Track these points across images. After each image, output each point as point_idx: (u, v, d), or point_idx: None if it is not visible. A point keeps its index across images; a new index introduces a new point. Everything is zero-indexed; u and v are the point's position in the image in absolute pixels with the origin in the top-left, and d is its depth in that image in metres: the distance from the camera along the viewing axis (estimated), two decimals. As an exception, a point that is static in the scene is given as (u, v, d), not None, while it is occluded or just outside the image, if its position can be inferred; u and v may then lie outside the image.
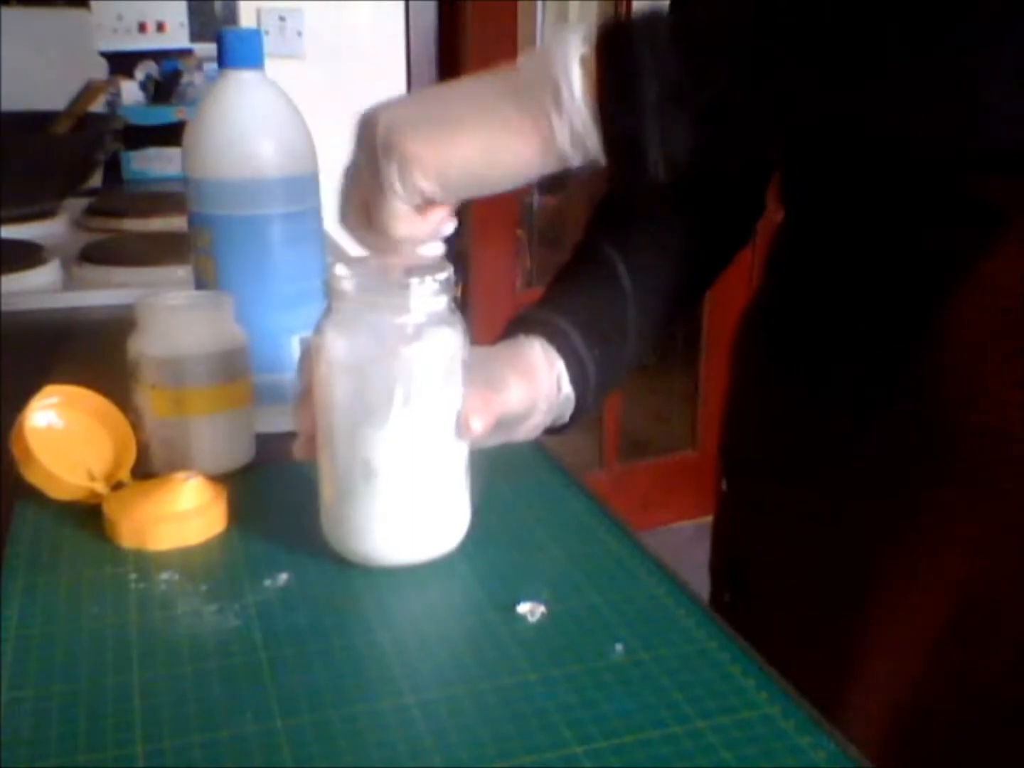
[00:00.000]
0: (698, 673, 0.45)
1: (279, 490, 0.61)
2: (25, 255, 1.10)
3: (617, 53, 0.45)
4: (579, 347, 0.59)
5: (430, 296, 0.49)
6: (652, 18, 0.46)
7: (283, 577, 0.52)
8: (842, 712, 0.62)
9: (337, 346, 0.50)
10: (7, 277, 1.03)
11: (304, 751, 0.40)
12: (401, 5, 2.26)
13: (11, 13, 1.67)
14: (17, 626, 0.48)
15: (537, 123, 0.46)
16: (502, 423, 0.55)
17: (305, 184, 0.69)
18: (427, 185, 0.48)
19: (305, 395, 0.53)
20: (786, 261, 0.67)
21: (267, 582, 0.52)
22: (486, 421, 0.52)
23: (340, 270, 0.50)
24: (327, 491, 0.53)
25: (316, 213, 0.70)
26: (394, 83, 2.29)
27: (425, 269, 0.50)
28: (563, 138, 0.46)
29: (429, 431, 0.51)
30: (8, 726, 0.41)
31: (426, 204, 0.49)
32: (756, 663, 0.45)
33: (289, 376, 0.70)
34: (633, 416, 2.89)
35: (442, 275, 0.50)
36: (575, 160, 0.47)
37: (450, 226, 0.51)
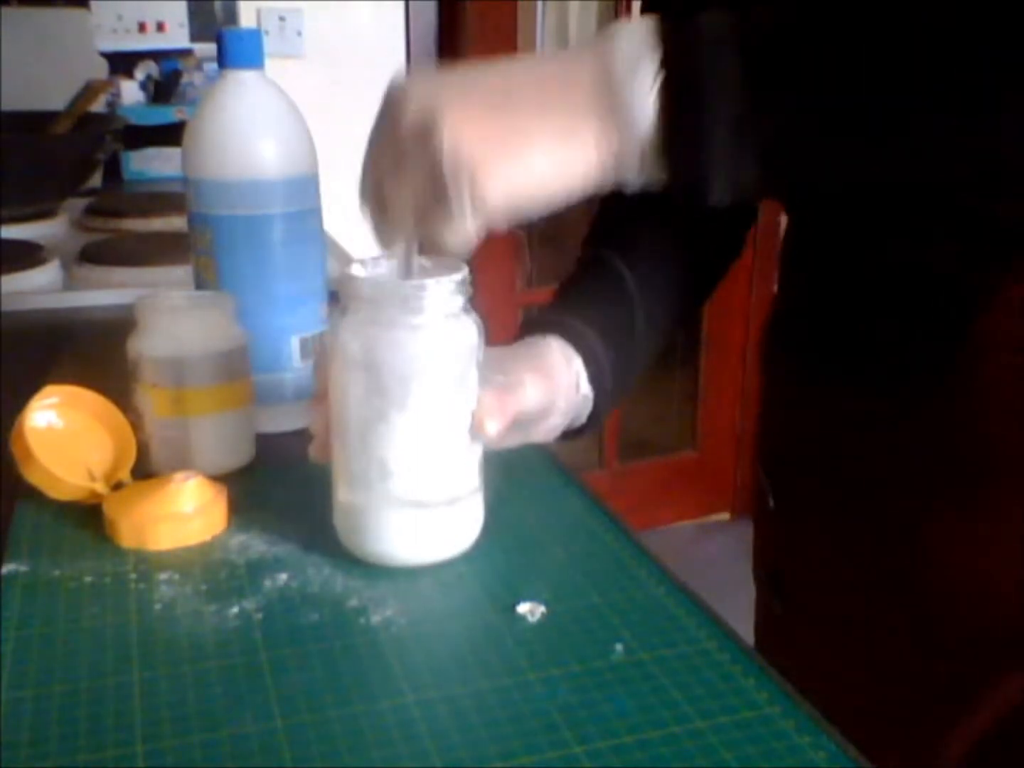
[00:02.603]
0: (698, 673, 0.45)
1: (279, 490, 0.61)
2: (25, 255, 1.10)
3: (685, 83, 0.44)
4: (596, 347, 0.59)
5: (445, 296, 0.49)
6: (719, 39, 0.44)
7: (283, 577, 0.52)
8: (894, 710, 0.62)
9: (351, 346, 0.50)
10: (7, 277, 1.03)
11: (304, 751, 0.40)
12: (401, 5, 2.26)
13: (11, 13, 1.67)
14: (17, 626, 0.48)
15: (609, 146, 0.45)
16: (519, 423, 0.54)
17: (305, 184, 0.69)
18: (496, 212, 0.46)
19: (320, 396, 0.53)
20: (804, 268, 0.66)
21: (267, 582, 0.52)
22: (501, 423, 0.52)
23: (355, 270, 0.50)
24: (341, 490, 0.53)
25: (316, 213, 0.70)
26: (394, 83, 2.28)
27: (440, 269, 0.50)
28: (631, 164, 0.46)
29: (443, 431, 0.51)
30: (8, 726, 0.41)
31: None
32: (756, 663, 0.45)
33: (289, 376, 0.70)
34: (633, 416, 2.89)
35: (457, 275, 0.50)
36: (637, 184, 0.47)
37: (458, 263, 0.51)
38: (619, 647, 0.46)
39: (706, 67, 0.44)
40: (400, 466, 0.51)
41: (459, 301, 0.50)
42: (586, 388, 0.59)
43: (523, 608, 0.49)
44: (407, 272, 0.50)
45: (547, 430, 0.58)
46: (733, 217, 0.70)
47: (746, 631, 0.49)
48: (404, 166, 0.46)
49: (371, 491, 0.52)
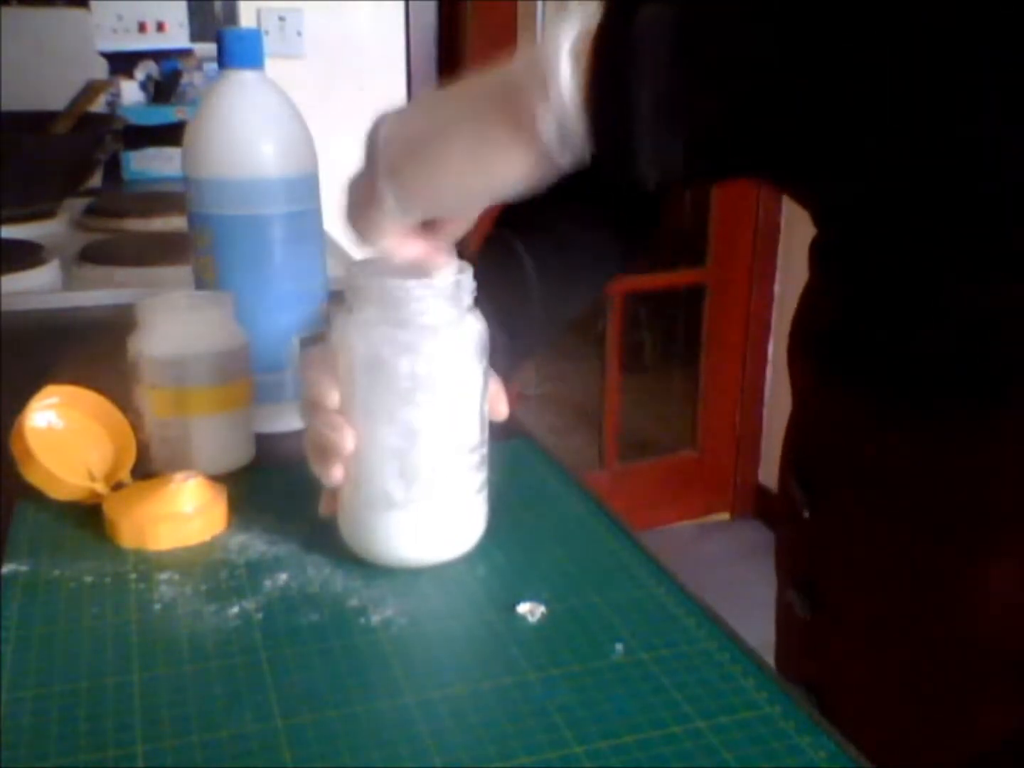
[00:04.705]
0: (698, 673, 0.45)
1: (279, 490, 0.61)
2: (25, 255, 1.10)
3: (613, 52, 0.42)
4: (493, 340, 0.61)
5: (449, 295, 0.50)
6: (659, 15, 0.42)
7: (283, 577, 0.52)
8: (929, 719, 0.61)
9: (357, 346, 0.50)
10: (7, 277, 1.04)
11: (304, 751, 0.40)
12: (401, 5, 2.26)
13: (11, 13, 1.67)
14: (17, 626, 0.48)
15: (523, 123, 0.44)
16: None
17: (305, 184, 0.69)
18: (423, 207, 0.47)
19: (328, 449, 0.53)
20: (840, 279, 0.64)
21: (267, 582, 0.52)
22: (507, 404, 0.55)
23: (359, 269, 0.50)
24: (346, 490, 0.53)
25: (316, 213, 0.70)
26: (394, 83, 2.29)
27: (443, 268, 0.50)
28: (549, 136, 0.44)
29: (450, 431, 0.51)
30: (8, 726, 0.41)
31: (430, 222, 0.49)
32: (756, 663, 0.45)
33: (289, 376, 0.70)
34: (633, 416, 2.89)
35: (461, 275, 0.50)
36: (563, 159, 0.45)
37: (449, 264, 0.51)
38: (619, 647, 0.46)
39: (638, 40, 0.42)
40: (406, 467, 0.51)
41: (464, 300, 0.50)
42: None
43: (523, 608, 0.49)
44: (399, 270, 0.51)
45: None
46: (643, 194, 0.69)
47: (746, 631, 0.49)
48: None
49: (374, 492, 0.51)
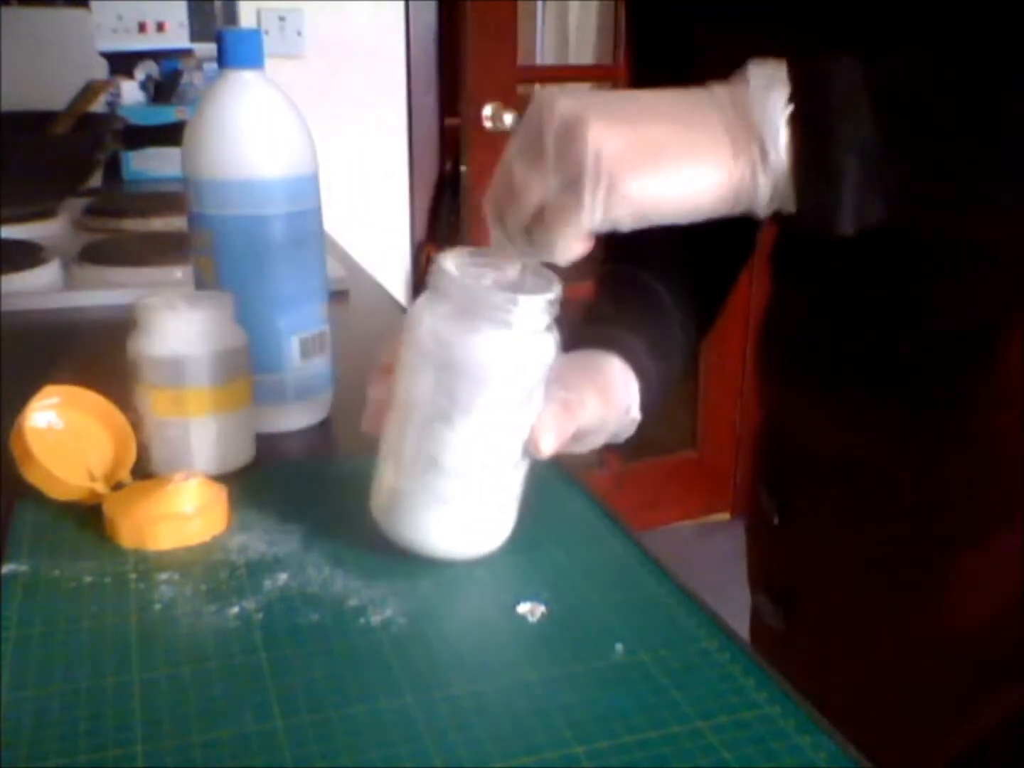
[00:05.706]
0: (698, 673, 0.45)
1: (279, 490, 0.61)
2: (25, 255, 1.10)
3: (818, 119, 0.45)
4: (650, 369, 0.60)
5: (535, 313, 0.49)
6: (849, 80, 0.45)
7: (283, 577, 0.52)
8: (904, 725, 0.61)
9: (430, 339, 0.49)
10: (7, 277, 1.03)
11: (304, 751, 0.40)
12: (401, 5, 2.26)
13: (11, 13, 1.67)
14: (17, 626, 0.48)
15: (740, 171, 0.46)
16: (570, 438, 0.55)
17: (305, 184, 0.69)
18: (627, 220, 0.47)
19: (385, 367, 0.53)
20: (811, 280, 0.65)
21: (267, 582, 0.52)
22: (556, 442, 0.52)
23: (449, 263, 0.50)
24: (388, 472, 0.53)
25: (316, 213, 0.70)
26: (394, 83, 2.29)
27: (537, 284, 0.50)
28: (764, 194, 0.46)
29: (502, 440, 0.51)
30: (8, 726, 0.41)
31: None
32: (756, 663, 0.45)
33: (289, 376, 0.70)
34: (633, 416, 2.88)
35: (551, 294, 0.49)
36: (766, 213, 0.47)
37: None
38: (619, 647, 0.46)
39: (837, 105, 0.45)
40: (453, 466, 0.51)
41: (546, 319, 0.50)
42: (636, 413, 0.59)
43: (523, 608, 0.49)
44: (509, 284, 0.50)
45: (589, 444, 0.58)
46: (739, 225, 0.70)
47: (746, 631, 0.49)
48: (542, 166, 0.47)
49: (418, 482, 0.52)
